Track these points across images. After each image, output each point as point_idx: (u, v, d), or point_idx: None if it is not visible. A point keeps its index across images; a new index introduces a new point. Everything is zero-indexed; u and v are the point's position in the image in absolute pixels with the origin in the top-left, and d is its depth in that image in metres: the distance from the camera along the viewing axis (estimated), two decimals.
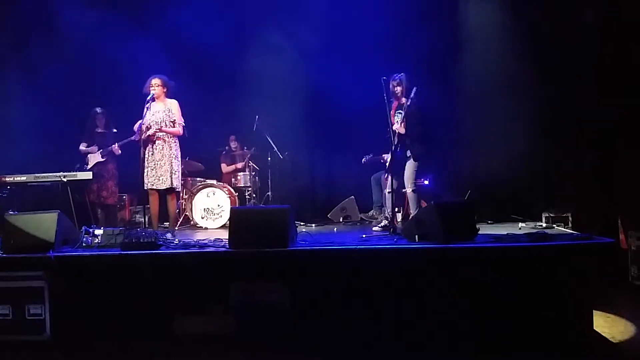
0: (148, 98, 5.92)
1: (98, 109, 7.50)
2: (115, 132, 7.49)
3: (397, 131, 5.93)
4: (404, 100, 6.02)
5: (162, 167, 6.00)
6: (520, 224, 6.09)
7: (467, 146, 7.69)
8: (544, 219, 6.12)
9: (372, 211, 7.60)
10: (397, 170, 6.06)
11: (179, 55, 7.88)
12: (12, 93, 7.47)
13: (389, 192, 6.10)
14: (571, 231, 5.40)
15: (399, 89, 6.04)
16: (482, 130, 7.60)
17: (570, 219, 5.95)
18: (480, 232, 4.66)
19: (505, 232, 4.81)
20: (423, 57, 7.44)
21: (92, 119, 7.50)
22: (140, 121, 5.94)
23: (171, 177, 6.03)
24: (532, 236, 4.48)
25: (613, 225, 6.16)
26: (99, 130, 7.54)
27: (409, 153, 6.05)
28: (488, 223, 6.37)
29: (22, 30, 7.72)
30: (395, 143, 5.89)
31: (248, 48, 8.13)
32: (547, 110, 6.93)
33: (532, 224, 6.07)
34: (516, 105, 7.34)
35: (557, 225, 5.85)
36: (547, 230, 5.10)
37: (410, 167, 6.04)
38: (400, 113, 6.06)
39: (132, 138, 6.45)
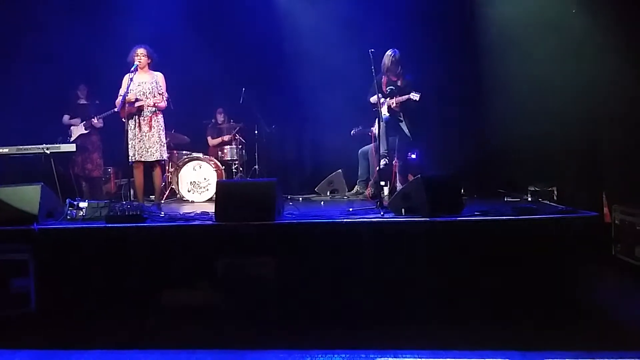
0: (132, 69, 5.80)
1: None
2: (97, 103, 7.39)
3: (389, 105, 5.89)
4: (400, 82, 5.97)
5: (151, 139, 5.90)
6: (505, 198, 6.13)
7: (454, 120, 7.67)
8: (529, 193, 6.16)
9: (356, 187, 7.57)
10: (390, 133, 6.02)
11: (163, 27, 7.70)
12: None
13: (378, 170, 6.11)
14: (556, 205, 5.45)
15: (398, 68, 6.01)
16: (468, 106, 7.58)
17: (555, 192, 5.99)
18: (466, 206, 4.68)
19: (491, 206, 4.83)
20: (412, 27, 7.36)
21: (74, 91, 7.40)
22: (123, 93, 5.81)
23: (160, 148, 5.95)
24: (518, 209, 4.51)
25: (597, 200, 6.22)
26: (81, 102, 7.44)
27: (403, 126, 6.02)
28: (474, 197, 6.40)
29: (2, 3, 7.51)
30: (385, 114, 5.86)
31: (234, 19, 7.99)
32: (534, 84, 6.90)
33: (517, 198, 6.11)
34: (504, 80, 7.31)
35: (542, 199, 5.90)
36: (532, 204, 5.15)
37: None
38: (392, 88, 6.01)
39: (115, 110, 6.34)
